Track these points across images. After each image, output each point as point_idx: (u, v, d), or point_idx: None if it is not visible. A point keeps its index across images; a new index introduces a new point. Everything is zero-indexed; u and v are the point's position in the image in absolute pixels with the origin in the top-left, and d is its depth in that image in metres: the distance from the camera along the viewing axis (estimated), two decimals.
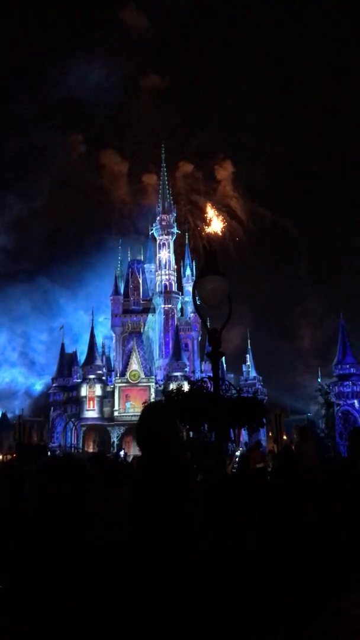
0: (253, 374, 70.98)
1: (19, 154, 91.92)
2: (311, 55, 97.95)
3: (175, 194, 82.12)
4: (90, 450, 53.28)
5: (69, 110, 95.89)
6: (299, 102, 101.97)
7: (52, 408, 66.76)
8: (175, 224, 76.00)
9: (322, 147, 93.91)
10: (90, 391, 64.06)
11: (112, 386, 65.40)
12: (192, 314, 68.99)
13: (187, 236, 79.17)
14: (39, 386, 79.16)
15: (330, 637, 0.98)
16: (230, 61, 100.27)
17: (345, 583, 1.06)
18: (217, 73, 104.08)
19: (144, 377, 64.90)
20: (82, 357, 67.03)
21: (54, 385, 68.01)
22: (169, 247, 74.52)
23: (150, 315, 71.80)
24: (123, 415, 62.00)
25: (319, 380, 65.96)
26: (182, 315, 73.05)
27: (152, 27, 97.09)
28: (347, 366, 58.46)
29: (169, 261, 73.94)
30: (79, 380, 65.27)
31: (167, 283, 72.70)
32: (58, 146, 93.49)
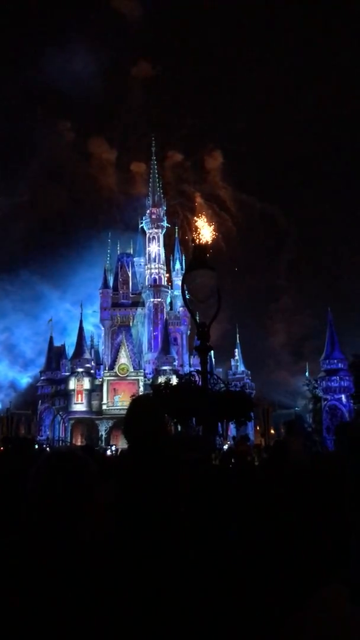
0: (241, 368, 71.26)
1: (3, 143, 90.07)
2: (304, 44, 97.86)
3: (164, 183, 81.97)
4: (78, 443, 53.19)
5: (57, 98, 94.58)
6: (290, 92, 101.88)
7: (40, 401, 66.59)
8: (165, 218, 75.88)
9: (314, 137, 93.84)
10: (79, 384, 63.95)
11: (100, 380, 65.32)
12: (181, 308, 69.00)
13: (177, 230, 79.17)
14: (25, 380, 78.68)
15: (310, 627, 1.05)
16: (221, 50, 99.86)
17: (328, 575, 1.07)
18: (208, 62, 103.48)
19: (132, 370, 64.90)
20: (70, 351, 66.84)
21: (42, 378, 67.79)
22: (158, 241, 74.39)
23: (139, 309, 71.71)
24: (111, 409, 61.97)
25: (307, 375, 66.39)
26: (171, 309, 73.05)
27: (144, 15, 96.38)
28: (335, 361, 58.88)
29: (159, 255, 73.83)
30: (67, 374, 65.11)
31: (157, 277, 72.61)
32: (45, 134, 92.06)
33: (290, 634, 1.03)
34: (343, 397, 57.67)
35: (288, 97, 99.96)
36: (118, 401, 61.86)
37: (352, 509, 1.04)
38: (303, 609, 1.05)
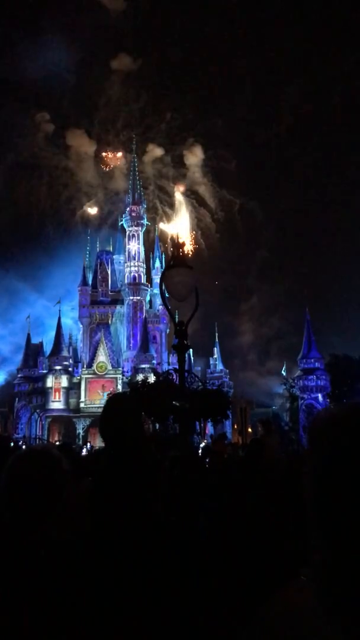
0: (220, 367, 71.51)
1: None
2: (287, 39, 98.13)
3: (143, 178, 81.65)
4: (56, 441, 52.82)
5: (35, 89, 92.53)
6: (272, 86, 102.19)
7: (16, 399, 65.89)
8: (145, 216, 75.73)
9: (296, 134, 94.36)
10: (56, 382, 63.46)
11: (78, 377, 64.92)
12: (160, 307, 68.93)
13: (156, 228, 79.10)
14: (0, 377, 77.63)
15: (272, 622, 1.06)
16: (203, 44, 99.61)
17: (293, 570, 1.09)
18: (189, 56, 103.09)
19: (111, 368, 64.66)
20: (48, 348, 66.29)
21: (19, 375, 67.09)
22: (138, 239, 74.22)
23: (118, 307, 71.48)
24: (89, 407, 61.65)
25: (284, 373, 66.95)
26: (150, 307, 72.95)
27: (125, 8, 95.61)
28: (312, 360, 59.46)
29: (139, 252, 73.67)
30: (45, 371, 64.57)
31: (136, 275, 72.45)
32: (21, 126, 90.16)
33: (256, 628, 1.06)
34: (319, 396, 58.29)
35: (270, 91, 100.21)
36: (95, 400, 61.50)
37: (311, 504, 1.06)
38: (268, 603, 1.07)
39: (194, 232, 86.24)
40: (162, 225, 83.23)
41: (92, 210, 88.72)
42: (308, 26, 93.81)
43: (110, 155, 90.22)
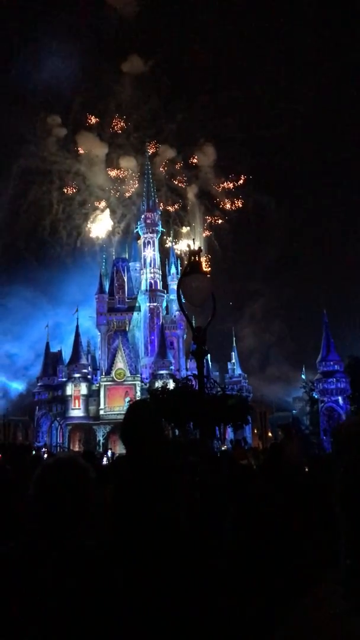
0: (238, 371, 71.23)
1: None
2: (298, 38, 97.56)
3: (155, 180, 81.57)
4: (76, 449, 53.06)
5: (46, 94, 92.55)
6: (285, 85, 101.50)
7: (37, 407, 66.35)
8: (160, 222, 75.96)
9: (309, 133, 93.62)
10: (76, 390, 63.79)
11: (97, 385, 65.18)
12: (177, 312, 68.94)
13: (172, 234, 79.28)
14: (18, 386, 78.19)
15: (305, 625, 1.05)
16: (216, 43, 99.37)
17: (321, 574, 1.10)
18: (202, 56, 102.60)
19: (129, 375, 64.81)
20: (67, 356, 66.70)
21: (38, 384, 67.58)
22: (153, 245, 74.44)
23: (135, 314, 71.68)
24: (109, 414, 61.83)
25: (303, 377, 66.44)
26: (167, 313, 73.04)
27: (136, 11, 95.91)
28: (331, 363, 58.96)
29: (154, 259, 73.88)
30: (64, 379, 64.94)
31: (152, 281, 72.64)
32: (32, 130, 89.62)
33: (286, 633, 1.06)
34: (340, 398, 57.71)
35: (282, 90, 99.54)
36: (115, 407, 61.64)
37: (341, 509, 1.06)
38: (297, 608, 1.07)
39: (208, 234, 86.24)
40: (177, 229, 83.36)
41: (105, 215, 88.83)
42: (321, 24, 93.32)
43: (120, 157, 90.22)
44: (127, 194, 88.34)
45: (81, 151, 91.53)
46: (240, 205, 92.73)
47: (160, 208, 79.17)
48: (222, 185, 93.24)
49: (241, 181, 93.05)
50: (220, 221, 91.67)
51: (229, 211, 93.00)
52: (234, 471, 6.53)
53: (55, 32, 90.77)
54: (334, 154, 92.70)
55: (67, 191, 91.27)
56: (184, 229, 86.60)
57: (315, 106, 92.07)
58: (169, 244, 78.49)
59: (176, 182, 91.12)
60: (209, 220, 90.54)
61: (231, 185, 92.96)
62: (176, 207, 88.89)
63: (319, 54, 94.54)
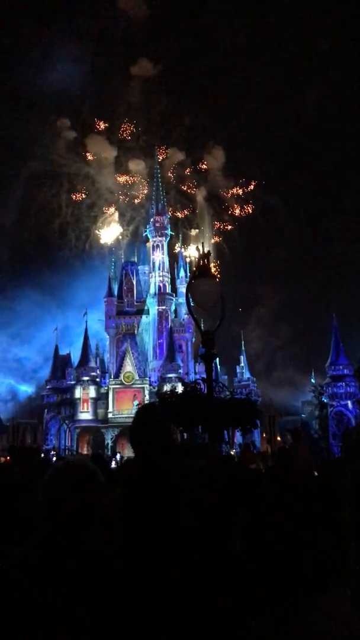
0: (247, 375, 71.05)
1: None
2: (305, 41, 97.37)
3: (164, 183, 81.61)
4: (85, 452, 53.12)
5: (55, 97, 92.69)
6: (295, 88, 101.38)
7: (46, 410, 66.56)
8: (169, 226, 76.07)
9: (319, 135, 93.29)
10: (84, 393, 63.93)
11: (106, 388, 65.28)
12: (186, 316, 68.92)
13: (180, 237, 79.29)
14: (27, 389, 78.53)
15: (316, 630, 1.05)
16: (225, 46, 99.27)
17: (330, 580, 1.09)
18: (211, 59, 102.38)
19: (138, 378, 64.85)
20: (75, 359, 66.87)
21: (47, 387, 67.79)
22: (162, 249, 74.54)
23: (144, 317, 71.76)
24: (117, 417, 61.88)
25: (312, 381, 66.15)
26: (176, 316, 73.04)
27: (146, 15, 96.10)
28: (341, 367, 58.63)
29: (163, 263, 73.95)
30: (73, 382, 65.10)
31: (161, 284, 72.69)
32: (42, 133, 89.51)
33: (299, 637, 1.06)
34: (349, 403, 57.37)
35: (290, 93, 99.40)
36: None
37: (351, 514, 1.07)
38: (308, 613, 1.07)
39: (217, 239, 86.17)
40: (186, 232, 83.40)
41: (114, 218, 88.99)
42: (329, 26, 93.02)
43: (129, 160, 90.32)
44: (136, 198, 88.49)
45: (90, 155, 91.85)
46: (250, 211, 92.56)
47: (170, 212, 79.28)
48: (231, 191, 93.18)
49: (251, 187, 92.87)
50: (229, 227, 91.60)
51: (238, 217, 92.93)
52: (243, 475, 6.51)
53: (65, 35, 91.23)
54: (346, 157, 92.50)
55: (76, 195, 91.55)
56: (193, 232, 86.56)
57: (326, 108, 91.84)
58: (177, 248, 78.49)
59: (184, 188, 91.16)
60: (217, 227, 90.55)
61: (240, 191, 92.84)
62: (185, 212, 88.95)
63: (328, 56, 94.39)
